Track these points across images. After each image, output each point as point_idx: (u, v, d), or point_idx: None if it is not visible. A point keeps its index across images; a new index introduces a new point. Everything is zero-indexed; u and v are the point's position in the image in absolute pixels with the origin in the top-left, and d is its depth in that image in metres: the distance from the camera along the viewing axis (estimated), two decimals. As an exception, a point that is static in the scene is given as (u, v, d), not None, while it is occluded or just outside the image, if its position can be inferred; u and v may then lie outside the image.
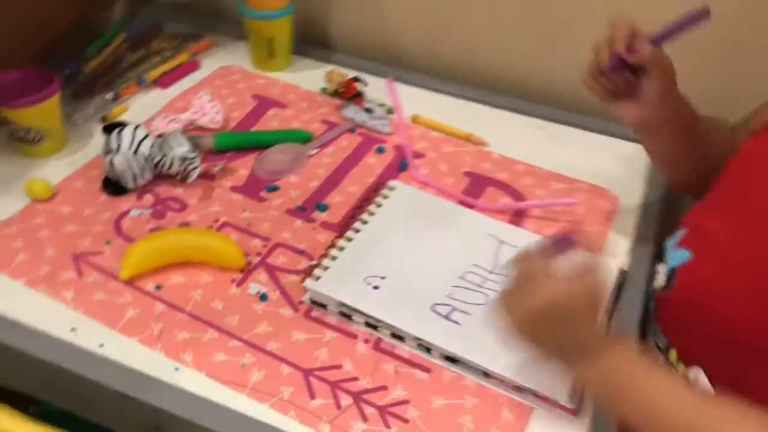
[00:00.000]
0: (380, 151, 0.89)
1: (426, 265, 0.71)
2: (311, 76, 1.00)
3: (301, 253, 0.74)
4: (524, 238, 0.75)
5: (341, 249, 0.72)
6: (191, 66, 0.99)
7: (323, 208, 0.80)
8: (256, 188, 0.82)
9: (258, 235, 0.76)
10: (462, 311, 0.67)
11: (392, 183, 0.81)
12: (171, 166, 0.79)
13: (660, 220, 0.81)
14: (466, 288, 0.69)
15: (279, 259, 0.74)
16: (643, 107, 0.69)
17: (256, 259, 0.73)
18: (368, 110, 0.92)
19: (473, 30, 0.99)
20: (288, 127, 0.91)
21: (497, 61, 0.99)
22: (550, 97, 0.97)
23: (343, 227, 0.76)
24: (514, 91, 0.98)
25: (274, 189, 0.82)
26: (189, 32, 1.04)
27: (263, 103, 0.95)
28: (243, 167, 0.85)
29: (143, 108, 0.92)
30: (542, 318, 0.53)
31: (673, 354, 0.69)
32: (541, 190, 0.84)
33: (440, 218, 0.77)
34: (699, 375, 0.66)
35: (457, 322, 0.65)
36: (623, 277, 0.73)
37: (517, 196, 0.83)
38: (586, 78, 0.69)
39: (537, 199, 0.82)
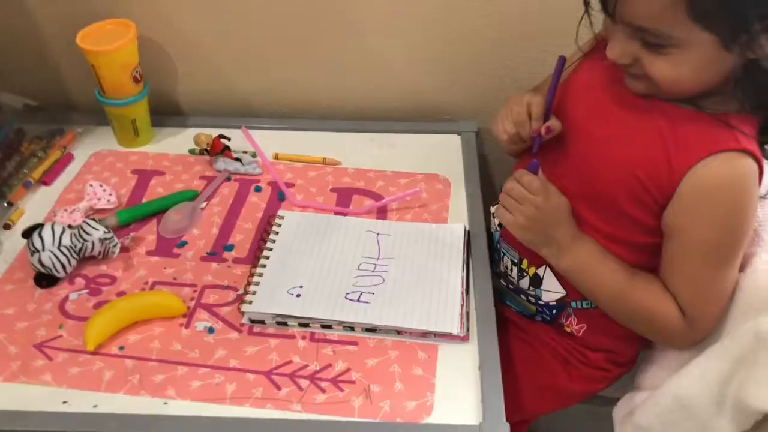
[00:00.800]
0: (258, 190, 1.07)
1: (329, 267, 0.91)
2: (176, 142, 1.15)
3: (226, 288, 0.91)
4: (393, 226, 0.98)
5: (260, 275, 0.90)
6: (66, 159, 1.11)
7: (230, 248, 0.97)
8: (168, 247, 0.97)
9: (185, 284, 0.91)
10: (368, 293, 0.87)
11: (280, 213, 1.00)
12: (93, 249, 0.92)
13: (481, 184, 1.07)
14: (364, 275, 0.90)
15: (211, 298, 0.90)
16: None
17: (192, 303, 0.89)
18: (237, 159, 1.09)
19: (301, 74, 1.19)
20: (173, 190, 1.06)
21: (329, 95, 1.21)
22: (376, 113, 1.21)
23: (254, 259, 0.94)
24: (350, 115, 1.20)
25: (183, 244, 0.97)
26: (51, 129, 1.15)
27: (144, 176, 1.09)
28: (149, 233, 0.99)
29: (38, 207, 1.03)
30: (540, 220, 0.84)
31: (525, 263, 0.95)
32: (392, 188, 1.07)
33: (327, 230, 0.97)
34: (545, 271, 0.92)
35: (367, 302, 0.86)
36: (468, 234, 0.98)
37: (376, 197, 1.05)
38: (506, 141, 0.91)
39: (391, 196, 1.05)
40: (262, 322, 0.86)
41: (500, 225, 0.98)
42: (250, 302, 0.86)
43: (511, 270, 0.97)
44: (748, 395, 0.79)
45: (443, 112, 1.21)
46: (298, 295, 0.87)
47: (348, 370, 0.81)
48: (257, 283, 0.89)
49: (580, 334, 0.94)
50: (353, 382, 0.80)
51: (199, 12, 1.13)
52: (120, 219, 0.99)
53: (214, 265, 0.94)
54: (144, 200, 1.04)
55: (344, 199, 1.05)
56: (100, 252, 0.93)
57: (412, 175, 1.09)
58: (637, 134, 0.83)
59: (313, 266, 0.91)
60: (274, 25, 1.14)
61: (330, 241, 0.95)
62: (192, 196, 1.04)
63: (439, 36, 1.14)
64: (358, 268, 0.91)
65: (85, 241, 0.91)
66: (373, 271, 0.90)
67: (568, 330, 0.95)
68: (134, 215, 1.01)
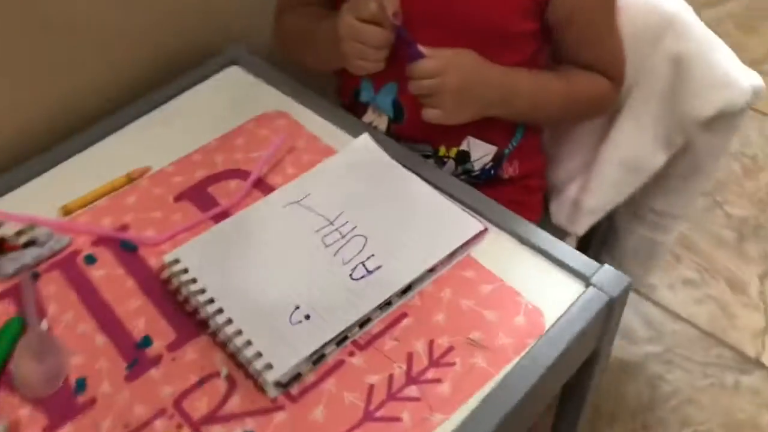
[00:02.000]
0: (92, 261, 0.73)
1: (300, 267, 0.69)
2: None
3: (202, 383, 0.63)
4: (303, 184, 0.77)
5: (240, 333, 0.64)
6: None
7: (148, 342, 0.66)
8: (66, 403, 0.62)
9: (149, 420, 0.61)
10: (366, 259, 0.69)
11: (169, 257, 0.70)
12: (-16, 487, 0.54)
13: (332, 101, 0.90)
14: (342, 247, 0.70)
15: (199, 407, 0.61)
16: None
17: (189, 430, 0.60)
18: (29, 243, 0.73)
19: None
20: (-22, 340, 0.67)
21: (56, 104, 0.86)
22: (125, 94, 0.91)
23: (199, 327, 0.66)
24: (101, 110, 0.88)
25: (83, 384, 0.64)
26: None
27: None
28: (17, 408, 0.62)
29: None
30: (466, 91, 0.75)
31: (442, 150, 0.85)
32: (237, 155, 0.83)
33: (241, 236, 0.72)
34: (469, 143, 0.84)
35: (379, 266, 0.68)
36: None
37: (238, 174, 0.81)
38: (377, 57, 0.76)
39: (255, 162, 0.82)
40: (296, 376, 0.62)
41: (396, 117, 0.86)
42: (270, 366, 0.61)
43: (426, 164, 0.86)
44: (686, 109, 0.85)
45: (198, 51, 0.96)
46: (308, 317, 0.65)
47: (432, 342, 0.65)
48: (249, 342, 0.63)
49: (518, 172, 0.90)
50: (452, 348, 0.64)
51: None
52: (-42, 426, 0.60)
53: (153, 372, 0.64)
54: (-46, 381, 0.64)
55: (205, 200, 0.79)
56: (-6, 483, 0.56)
57: (241, 130, 0.86)
58: None
59: (281, 280, 0.68)
60: None
61: (261, 243, 0.71)
62: (18, 327, 0.67)
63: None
64: (326, 246, 0.71)
65: (-37, 487, 0.53)
66: (345, 237, 0.71)
67: (506, 177, 0.90)
68: (-30, 406, 0.62)
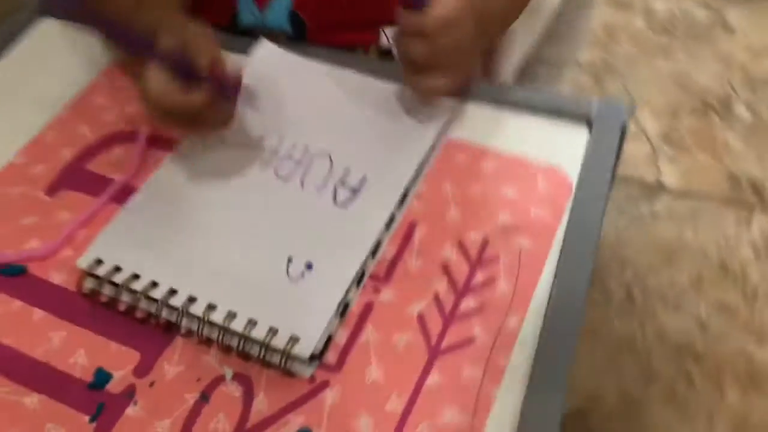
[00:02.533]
0: (-35, 307, 0.52)
1: (267, 215, 0.53)
2: None
3: (206, 397, 0.46)
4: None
5: (233, 315, 0.47)
6: None
7: (104, 377, 0.48)
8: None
9: (158, 473, 0.44)
10: (343, 176, 0.54)
11: (83, 261, 0.51)
12: None
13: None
14: (304, 175, 0.55)
15: (218, 428, 0.45)
16: None
17: (219, 462, 0.44)
18: None
19: None
20: None
21: None
22: None
23: (166, 329, 0.49)
24: None
25: (36, 467, 0.44)
26: None
27: None
28: None
29: None
30: (479, 37, 0.55)
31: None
32: (113, 114, 0.63)
33: (170, 207, 0.54)
34: (390, 35, 0.70)
35: (362, 181, 0.54)
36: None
37: (120, 136, 0.61)
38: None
39: (134, 119, 0.62)
40: (327, 341, 0.48)
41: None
42: (296, 339, 0.46)
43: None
44: None
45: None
46: (309, 266, 0.50)
47: (461, 243, 0.53)
48: (252, 322, 0.47)
49: None
50: (487, 241, 0.53)
51: None
52: None
53: (131, 412, 0.46)
54: None
55: (92, 181, 0.58)
56: None
57: (96, 88, 0.66)
58: None
59: (253, 237, 0.52)
60: None
61: (202, 204, 0.54)
62: None
63: None
64: (285, 180, 0.55)
65: None
66: (302, 163, 0.56)
67: None
68: None
